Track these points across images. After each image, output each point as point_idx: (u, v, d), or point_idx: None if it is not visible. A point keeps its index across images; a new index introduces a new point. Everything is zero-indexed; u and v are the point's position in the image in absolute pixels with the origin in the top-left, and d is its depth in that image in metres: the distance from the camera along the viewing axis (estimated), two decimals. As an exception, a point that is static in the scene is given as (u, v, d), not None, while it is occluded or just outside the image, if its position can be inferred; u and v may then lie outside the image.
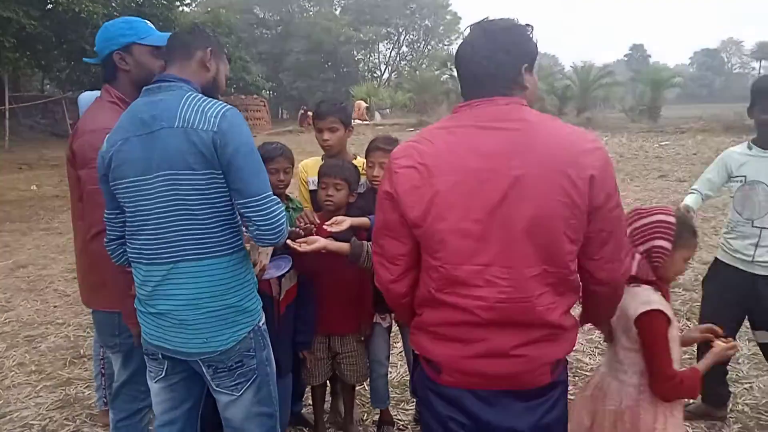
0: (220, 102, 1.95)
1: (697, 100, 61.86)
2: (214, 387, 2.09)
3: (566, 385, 1.81)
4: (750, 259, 2.99)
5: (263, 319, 2.15)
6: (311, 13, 57.11)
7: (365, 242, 2.58)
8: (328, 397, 3.41)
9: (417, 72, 40.19)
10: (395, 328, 3.16)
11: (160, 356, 2.10)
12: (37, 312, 5.52)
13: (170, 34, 2.21)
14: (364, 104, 26.52)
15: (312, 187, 3.15)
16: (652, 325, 1.98)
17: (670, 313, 2.01)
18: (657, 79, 25.48)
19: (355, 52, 53.98)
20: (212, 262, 1.96)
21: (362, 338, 3.01)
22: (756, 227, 2.96)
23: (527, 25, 1.70)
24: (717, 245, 3.20)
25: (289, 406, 3.05)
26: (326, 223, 2.61)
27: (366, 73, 55.95)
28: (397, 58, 62.04)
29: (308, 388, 3.32)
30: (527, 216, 1.55)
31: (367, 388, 3.42)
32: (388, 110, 32.79)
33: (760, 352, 3.31)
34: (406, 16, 58.19)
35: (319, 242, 2.55)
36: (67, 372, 4.24)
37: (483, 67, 1.64)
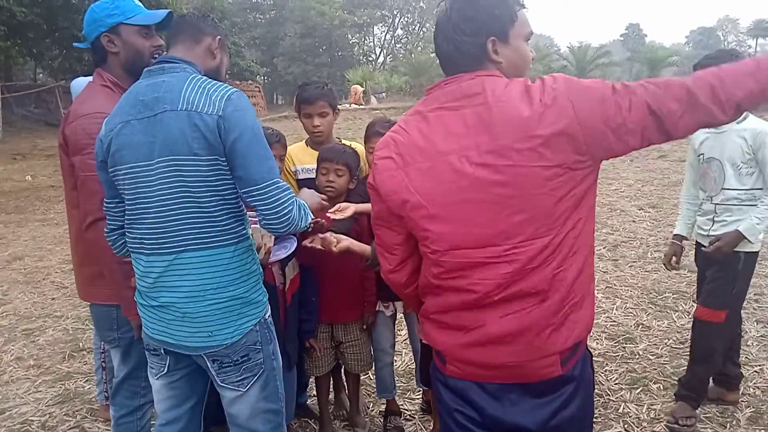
0: (226, 85, 1.87)
1: (694, 79, 61.48)
2: (219, 382, 2.02)
3: (587, 382, 1.67)
4: (706, 233, 3.08)
5: (269, 312, 2.08)
6: (305, -4, 56.60)
7: None
8: (331, 390, 3.35)
9: (412, 55, 39.84)
10: (400, 315, 3.10)
11: (162, 351, 2.03)
12: (35, 305, 5.46)
13: (176, 17, 2.14)
14: (360, 89, 26.30)
15: (301, 176, 3.03)
16: None
17: None
18: (654, 59, 25.43)
19: (349, 36, 53.57)
20: (217, 251, 1.88)
21: (365, 326, 2.95)
22: (713, 204, 3.04)
23: None
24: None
25: (294, 399, 3.00)
26: (330, 210, 2.53)
27: (361, 57, 55.52)
28: (392, 41, 61.64)
29: (312, 380, 3.27)
30: (508, 191, 1.47)
31: (372, 377, 3.36)
32: (383, 94, 32.56)
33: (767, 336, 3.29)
34: (400, -1, 57.73)
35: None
36: (67, 366, 4.18)
37: (445, 49, 1.60)
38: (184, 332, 1.93)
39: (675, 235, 3.34)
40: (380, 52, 61.11)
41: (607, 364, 3.81)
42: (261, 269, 2.07)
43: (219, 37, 2.04)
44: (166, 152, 1.80)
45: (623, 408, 3.31)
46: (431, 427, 3.06)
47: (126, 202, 1.94)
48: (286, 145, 2.90)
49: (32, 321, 5.06)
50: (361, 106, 23.43)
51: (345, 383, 3.31)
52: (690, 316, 3.97)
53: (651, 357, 3.86)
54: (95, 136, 2.04)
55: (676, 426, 3.03)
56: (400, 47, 59.71)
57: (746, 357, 3.73)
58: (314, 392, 3.30)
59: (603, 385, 3.55)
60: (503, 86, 1.51)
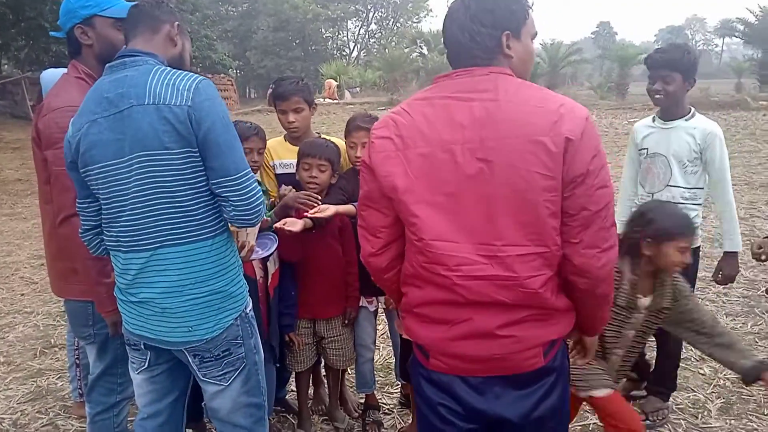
0: (191, 73, 1.84)
1: (663, 77, 62.58)
2: (201, 377, 2.01)
3: (565, 373, 1.73)
4: None
5: (250, 305, 2.06)
6: (278, -11, 56.09)
7: None
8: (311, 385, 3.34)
9: (386, 50, 39.81)
10: (381, 309, 3.11)
11: (142, 346, 2.01)
12: (3, 300, 5.35)
13: (130, 6, 2.07)
14: (334, 83, 26.18)
15: (280, 170, 3.01)
16: None
17: None
18: (624, 56, 25.75)
19: (323, 30, 53.16)
20: (195, 246, 1.86)
21: (347, 322, 2.95)
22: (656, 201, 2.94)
23: None
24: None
25: (274, 393, 2.98)
26: (310, 211, 2.53)
27: (335, 52, 55.18)
28: (366, 36, 61.41)
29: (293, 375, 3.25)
30: (504, 191, 1.50)
31: (350, 372, 3.36)
32: (357, 89, 32.48)
33: (737, 329, 3.32)
34: (374, -7, 57.54)
35: (330, 209, 2.54)
36: (38, 363, 4.10)
37: (460, 38, 1.61)
38: (164, 328, 1.91)
39: None
40: (354, 47, 60.89)
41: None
42: (240, 262, 2.06)
43: (177, 22, 2.00)
44: (138, 148, 1.77)
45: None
46: (410, 421, 3.08)
47: (101, 201, 1.91)
48: (265, 138, 2.87)
49: (1, 317, 4.96)
50: (335, 101, 23.34)
51: (324, 378, 3.31)
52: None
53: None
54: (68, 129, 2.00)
55: (647, 422, 3.03)
56: (374, 42, 59.54)
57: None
58: (293, 387, 3.29)
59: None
60: (516, 87, 1.55)
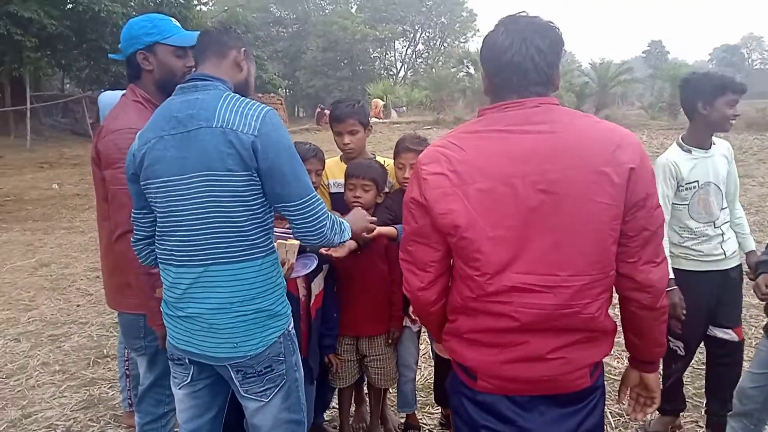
0: (258, 103, 1.90)
1: (717, 97, 60.86)
2: (243, 393, 2.05)
3: (604, 390, 1.76)
4: (723, 256, 2.95)
5: (292, 324, 2.11)
6: (327, 11, 57.18)
7: None
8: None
9: (433, 69, 39.99)
10: (424, 330, 3.11)
11: (186, 361, 2.06)
12: (61, 311, 5.55)
13: (200, 32, 2.16)
14: (381, 102, 26.47)
15: (334, 189, 3.08)
16: None
17: None
18: (676, 76, 25.14)
19: (371, 50, 53.88)
20: (245, 265, 1.92)
21: (390, 341, 2.97)
22: (717, 227, 2.93)
23: (555, 24, 1.65)
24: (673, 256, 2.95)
25: (312, 412, 3.00)
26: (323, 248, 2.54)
27: (382, 71, 55.83)
28: (413, 56, 61.88)
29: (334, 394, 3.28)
30: (569, 222, 1.51)
31: (393, 390, 3.37)
32: (404, 108, 32.70)
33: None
34: (422, 14, 57.98)
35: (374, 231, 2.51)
36: (91, 372, 4.25)
37: (523, 66, 1.58)
38: (209, 343, 1.96)
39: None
40: (401, 67, 61.39)
41: (621, 355, 3.77)
42: (285, 282, 2.11)
43: (243, 48, 2.07)
44: (201, 168, 1.84)
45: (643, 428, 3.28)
46: (451, 442, 3.07)
47: (157, 214, 1.98)
48: (324, 159, 2.94)
49: (58, 327, 5.15)
50: (381, 120, 23.55)
51: (366, 396, 3.33)
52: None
53: (673, 377, 3.81)
54: (125, 150, 2.08)
55: None
56: (421, 62, 59.94)
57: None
58: (335, 404, 3.32)
59: (624, 404, 3.52)
60: (569, 117, 1.58)
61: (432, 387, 3.58)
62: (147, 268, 2.17)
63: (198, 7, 26.72)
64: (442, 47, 58.89)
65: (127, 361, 3.35)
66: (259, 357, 1.98)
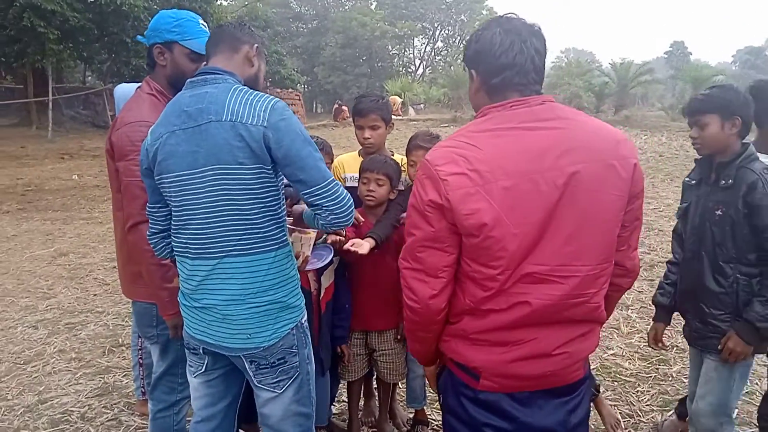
0: (267, 95, 1.92)
1: (740, 99, 60.02)
2: (256, 383, 2.08)
3: (591, 380, 1.88)
4: None
5: (305, 316, 2.13)
6: (347, 7, 57.18)
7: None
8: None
9: (452, 67, 39.82)
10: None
11: (201, 351, 2.10)
12: (78, 300, 5.64)
13: (217, 26, 2.18)
14: (399, 99, 26.39)
15: (350, 183, 3.11)
16: None
17: None
18: (698, 77, 24.81)
19: (390, 47, 53.83)
20: (259, 257, 1.94)
21: (399, 336, 2.98)
22: None
23: None
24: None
25: (326, 404, 3.03)
26: (347, 245, 2.58)
27: (401, 68, 55.72)
28: (432, 53, 61.72)
29: (340, 388, 3.31)
30: (585, 213, 1.56)
31: (402, 385, 3.39)
32: (422, 105, 32.65)
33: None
34: (441, 11, 57.82)
35: (364, 246, 2.57)
36: (106, 360, 4.31)
37: (522, 67, 1.61)
38: (224, 333, 1.99)
39: None
40: (420, 64, 61.27)
41: (639, 384, 3.76)
42: (298, 274, 2.13)
43: (256, 44, 2.09)
44: (212, 161, 1.86)
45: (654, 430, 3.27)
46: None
47: (172, 208, 2.01)
48: (332, 153, 2.97)
49: (75, 315, 5.23)
50: (399, 117, 23.53)
51: (375, 390, 3.35)
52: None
53: (684, 380, 3.78)
54: (138, 143, 2.13)
55: None
56: (440, 59, 59.79)
57: None
58: (342, 399, 3.35)
59: (634, 405, 3.52)
60: (571, 113, 1.64)
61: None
62: (158, 259, 2.21)
63: (219, 2, 26.89)
64: (462, 45, 58.58)
65: (140, 350, 3.40)
66: (272, 348, 2.00)
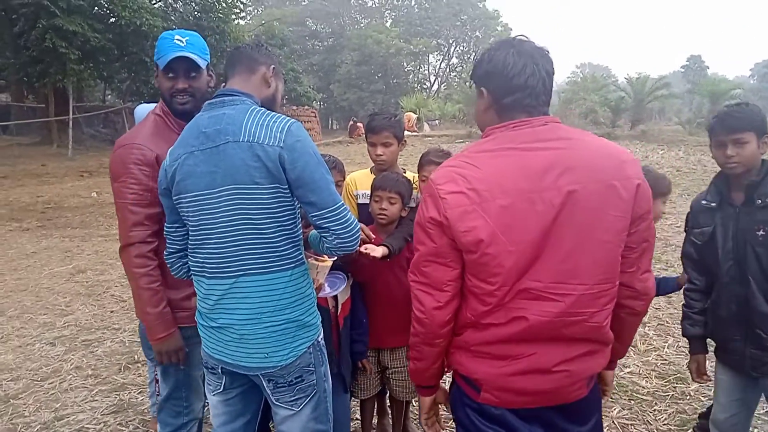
0: (284, 116, 1.95)
1: (759, 112, 59.46)
2: (274, 401, 2.09)
3: (599, 399, 1.85)
4: None
5: (322, 334, 2.14)
6: (362, 25, 57.73)
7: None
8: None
9: (467, 83, 39.88)
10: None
11: (219, 370, 2.10)
12: (95, 317, 5.70)
13: (178, 56, 2.24)
14: (414, 116, 26.48)
15: (361, 200, 3.13)
16: None
17: None
18: (715, 91, 24.65)
19: (405, 64, 54.09)
20: (275, 276, 1.95)
21: (412, 354, 2.96)
22: None
23: None
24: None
25: (349, 421, 3.02)
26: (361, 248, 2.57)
27: (415, 85, 55.93)
28: (447, 70, 61.93)
29: (353, 405, 3.30)
30: (583, 233, 1.57)
31: (415, 404, 3.37)
32: (437, 121, 32.70)
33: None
34: (456, 28, 58.08)
35: (378, 250, 2.57)
36: (122, 377, 4.34)
37: (534, 89, 1.65)
38: (241, 353, 2.00)
39: None
40: (435, 80, 61.50)
41: (656, 403, 3.71)
42: (315, 293, 2.14)
43: (273, 65, 2.12)
44: (229, 181, 1.89)
45: (672, 450, 3.22)
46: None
47: (189, 227, 2.03)
48: (344, 171, 2.99)
49: (92, 332, 5.29)
50: (414, 133, 23.59)
51: (389, 408, 3.34)
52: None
53: (702, 398, 3.73)
54: (130, 165, 2.20)
55: None
56: (455, 75, 59.90)
57: None
58: (358, 415, 3.34)
59: (651, 425, 3.46)
60: (575, 134, 1.65)
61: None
62: (146, 282, 2.25)
63: (236, 21, 27.28)
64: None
65: (156, 366, 3.41)
66: (289, 367, 2.01)
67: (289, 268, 1.97)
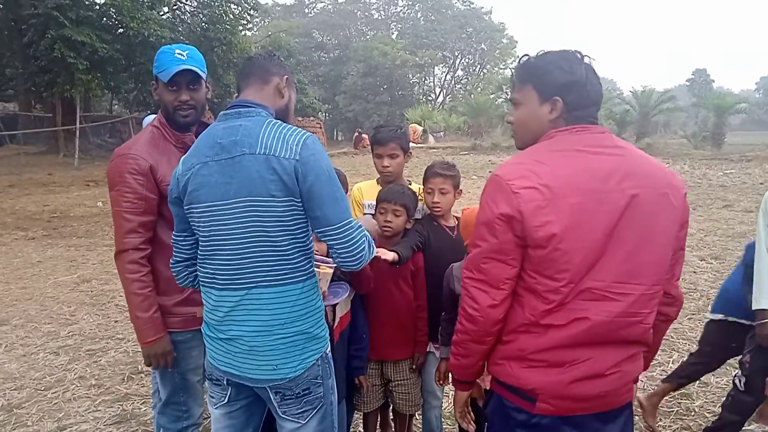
0: (300, 129, 1.95)
1: (764, 127, 59.33)
2: (280, 414, 2.07)
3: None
4: None
5: (329, 347, 2.13)
6: (368, 37, 58.05)
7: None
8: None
9: (472, 95, 40.03)
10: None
11: (225, 382, 2.09)
12: (99, 326, 5.70)
13: (182, 69, 2.28)
14: (419, 128, 26.61)
15: (367, 210, 3.14)
16: None
17: None
18: (721, 105, 24.68)
19: (410, 76, 54.35)
20: (287, 288, 1.95)
21: (414, 366, 2.97)
22: None
23: None
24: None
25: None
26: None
27: (421, 96, 56.19)
28: (452, 82, 62.16)
29: (356, 419, 3.29)
30: (643, 235, 1.66)
31: (418, 417, 3.36)
32: (442, 134, 32.80)
33: None
34: (462, 40, 58.35)
35: (388, 254, 2.58)
36: (125, 387, 4.34)
37: (596, 100, 1.78)
38: (249, 365, 1.98)
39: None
40: (440, 92, 61.68)
41: (661, 419, 3.69)
42: (324, 305, 2.14)
43: (286, 75, 2.13)
44: (244, 193, 1.88)
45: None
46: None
47: (200, 238, 2.02)
48: (346, 183, 3.00)
49: (96, 342, 5.29)
50: (419, 145, 23.66)
51: (392, 422, 3.33)
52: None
53: (708, 414, 3.71)
54: (125, 174, 2.27)
55: None
56: (460, 88, 60.18)
57: None
58: (361, 428, 3.33)
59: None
60: (626, 143, 1.78)
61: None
62: (137, 287, 2.33)
63: (243, 33, 27.47)
64: (482, 73, 59.00)
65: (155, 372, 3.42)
66: (297, 379, 2.00)
67: (301, 280, 1.97)
